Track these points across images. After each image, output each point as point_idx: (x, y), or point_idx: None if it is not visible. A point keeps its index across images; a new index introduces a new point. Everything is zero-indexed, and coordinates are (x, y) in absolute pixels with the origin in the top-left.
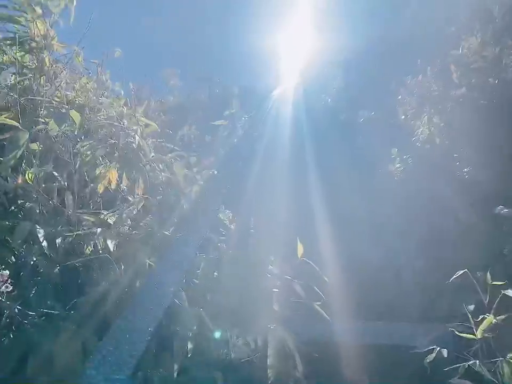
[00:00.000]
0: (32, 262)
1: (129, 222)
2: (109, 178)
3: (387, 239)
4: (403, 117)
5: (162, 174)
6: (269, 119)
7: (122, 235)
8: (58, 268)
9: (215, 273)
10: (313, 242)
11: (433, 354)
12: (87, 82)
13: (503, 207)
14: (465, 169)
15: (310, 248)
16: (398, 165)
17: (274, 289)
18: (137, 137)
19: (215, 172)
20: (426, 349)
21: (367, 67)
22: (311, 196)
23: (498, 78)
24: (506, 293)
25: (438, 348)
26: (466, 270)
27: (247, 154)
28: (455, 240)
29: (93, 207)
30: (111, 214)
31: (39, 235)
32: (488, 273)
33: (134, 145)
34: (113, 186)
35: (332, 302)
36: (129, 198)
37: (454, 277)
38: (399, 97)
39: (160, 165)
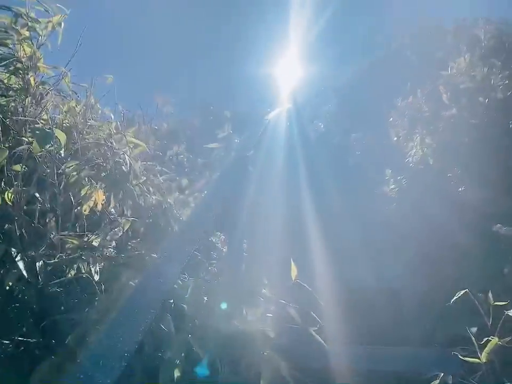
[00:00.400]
0: (7, 288)
1: (114, 244)
2: (95, 199)
3: (383, 261)
4: (395, 138)
5: (153, 197)
6: (262, 142)
7: (107, 258)
8: (37, 292)
9: (204, 297)
10: (307, 265)
11: (437, 381)
12: (75, 105)
13: (501, 225)
14: (460, 189)
15: (305, 270)
16: (392, 186)
17: (268, 314)
18: (126, 157)
19: (207, 195)
20: (431, 375)
21: (358, 91)
22: (305, 218)
23: (488, 97)
24: (510, 314)
25: (442, 374)
26: (466, 290)
27: (239, 177)
28: (453, 261)
29: (78, 230)
30: (96, 236)
31: (17, 258)
32: (490, 293)
33: (123, 166)
34: (99, 207)
35: (328, 325)
36: (116, 220)
37: (455, 298)
38: (391, 119)
39: (151, 188)
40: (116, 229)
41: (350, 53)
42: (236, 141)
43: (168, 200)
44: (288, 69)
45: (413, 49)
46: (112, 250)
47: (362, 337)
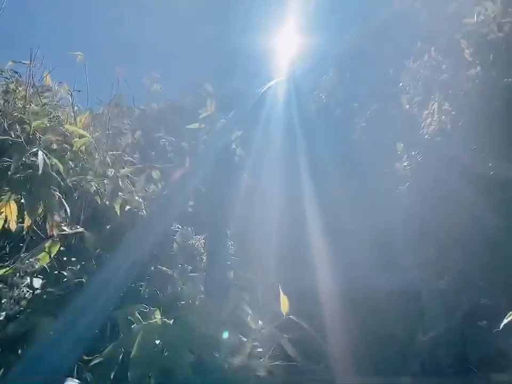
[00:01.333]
0: None
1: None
2: (6, 215)
3: (397, 258)
4: (407, 106)
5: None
6: (257, 119)
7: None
8: None
9: (157, 341)
10: (308, 265)
11: None
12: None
13: None
14: (488, 164)
15: (305, 272)
16: (405, 163)
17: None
18: (40, 155)
19: (183, 186)
20: None
21: (361, 57)
22: (306, 210)
23: None
24: None
25: None
26: None
27: (220, 167)
28: (483, 256)
29: None
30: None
31: None
32: None
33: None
34: (12, 226)
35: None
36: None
37: (506, 320)
38: (400, 84)
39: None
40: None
41: (350, 19)
42: (222, 120)
43: (136, 197)
44: (286, 40)
45: (421, 2)
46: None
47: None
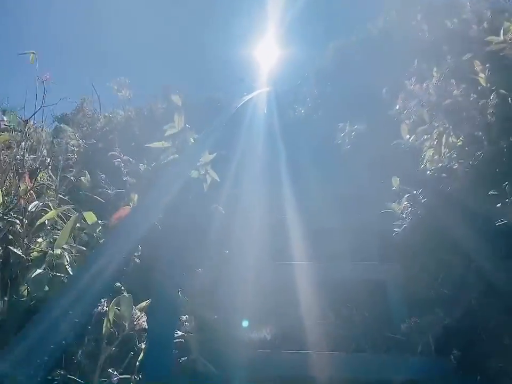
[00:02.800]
0: None
1: None
2: None
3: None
4: (406, 135)
5: None
6: (234, 136)
7: None
8: None
9: None
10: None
11: None
12: None
13: None
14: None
15: None
16: (405, 203)
17: None
18: None
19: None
20: None
21: (346, 71)
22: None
23: None
24: None
25: None
26: None
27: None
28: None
29: None
30: None
31: None
32: None
33: None
34: None
35: None
36: None
37: None
38: (397, 107)
39: None
40: None
41: (336, 29)
42: (192, 138)
43: None
44: (268, 51)
45: (417, 19)
46: None
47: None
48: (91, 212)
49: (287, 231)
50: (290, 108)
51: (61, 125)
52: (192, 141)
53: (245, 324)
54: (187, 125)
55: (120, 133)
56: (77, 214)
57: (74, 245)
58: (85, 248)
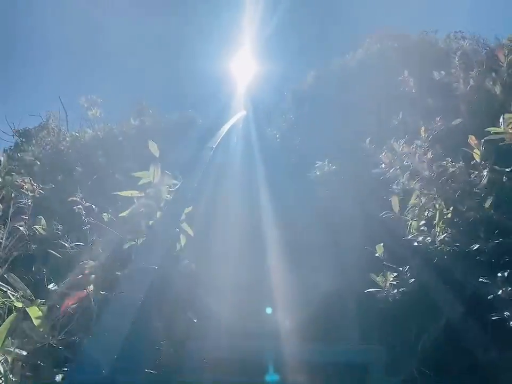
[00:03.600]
0: None
1: None
2: None
3: None
4: (397, 209)
5: None
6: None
7: None
8: None
9: None
10: None
11: None
12: None
13: None
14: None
15: None
16: (393, 282)
17: None
18: None
19: None
20: None
21: (324, 101)
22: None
23: None
24: None
25: None
26: None
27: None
28: None
29: None
30: None
31: None
32: None
33: None
34: None
35: None
36: None
37: None
38: (382, 165)
39: None
40: None
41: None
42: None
43: None
44: (244, 67)
45: (396, 57)
46: None
47: None
48: (35, 307)
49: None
50: (267, 131)
51: (22, 139)
52: (169, 188)
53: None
54: (165, 172)
55: (86, 158)
56: (16, 313)
57: (12, 350)
58: (25, 353)
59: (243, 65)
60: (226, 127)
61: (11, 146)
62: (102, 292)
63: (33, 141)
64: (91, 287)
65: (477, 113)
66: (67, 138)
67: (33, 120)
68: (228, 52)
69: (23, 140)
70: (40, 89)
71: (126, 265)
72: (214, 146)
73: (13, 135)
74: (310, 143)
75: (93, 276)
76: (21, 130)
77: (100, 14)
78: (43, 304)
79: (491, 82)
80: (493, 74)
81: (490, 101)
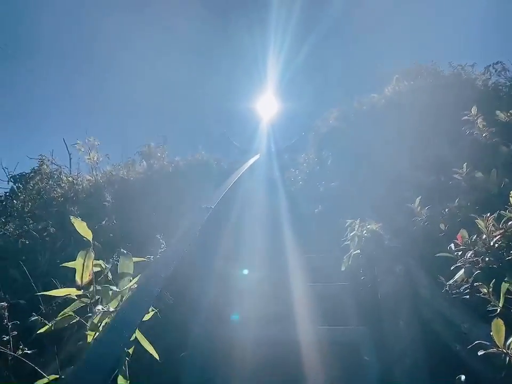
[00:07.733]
0: None
1: None
2: None
3: None
4: None
5: None
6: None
7: None
8: None
9: None
10: None
11: None
12: None
13: None
14: None
15: None
16: None
17: None
18: None
19: None
20: None
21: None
22: None
23: None
24: None
25: None
26: None
27: None
28: None
29: None
30: None
31: None
32: None
33: None
34: None
35: None
36: None
37: None
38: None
39: None
40: None
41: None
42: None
43: None
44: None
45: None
46: None
47: None
48: None
49: None
50: (289, 173)
51: (19, 185)
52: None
53: None
54: None
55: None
56: None
57: None
58: None
59: (267, 104)
60: (241, 171)
61: (6, 193)
62: None
63: (28, 187)
64: None
65: None
66: (62, 184)
67: (33, 163)
68: (252, 92)
69: (20, 185)
70: (60, 128)
71: None
72: (212, 207)
73: (7, 181)
74: (336, 190)
75: None
76: (17, 176)
77: (137, 57)
78: None
79: None
80: None
81: None
